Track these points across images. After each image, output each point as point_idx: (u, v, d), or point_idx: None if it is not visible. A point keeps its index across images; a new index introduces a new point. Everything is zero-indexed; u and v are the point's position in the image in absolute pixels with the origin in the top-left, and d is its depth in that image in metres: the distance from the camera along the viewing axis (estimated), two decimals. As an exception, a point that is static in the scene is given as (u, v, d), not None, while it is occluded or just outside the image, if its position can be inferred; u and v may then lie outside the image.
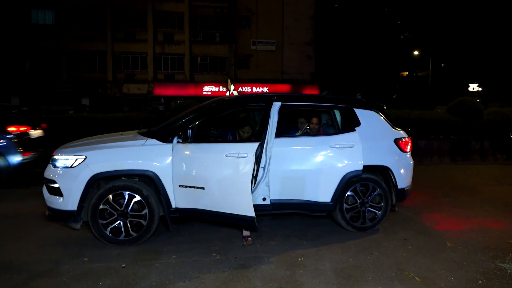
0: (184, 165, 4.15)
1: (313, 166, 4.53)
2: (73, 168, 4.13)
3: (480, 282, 3.46)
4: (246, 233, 4.47)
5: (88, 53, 28.77)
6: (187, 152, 4.18)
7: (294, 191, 4.52)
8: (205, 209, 4.10)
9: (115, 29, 28.92)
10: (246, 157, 3.91)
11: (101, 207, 4.17)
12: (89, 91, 28.42)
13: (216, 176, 4.01)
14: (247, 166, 3.91)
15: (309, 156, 4.56)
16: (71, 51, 28.42)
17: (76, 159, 4.14)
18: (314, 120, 5.11)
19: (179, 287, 3.33)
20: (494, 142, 11.56)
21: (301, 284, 3.40)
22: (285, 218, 5.35)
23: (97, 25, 28.68)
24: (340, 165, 4.55)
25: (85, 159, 4.12)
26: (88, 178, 4.09)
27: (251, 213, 3.86)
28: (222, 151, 4.03)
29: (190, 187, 4.11)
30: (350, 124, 4.79)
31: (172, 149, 4.20)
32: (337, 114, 4.87)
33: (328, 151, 4.57)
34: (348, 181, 4.57)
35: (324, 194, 4.53)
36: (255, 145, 3.99)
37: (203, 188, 4.04)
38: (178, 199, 4.21)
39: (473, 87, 40.04)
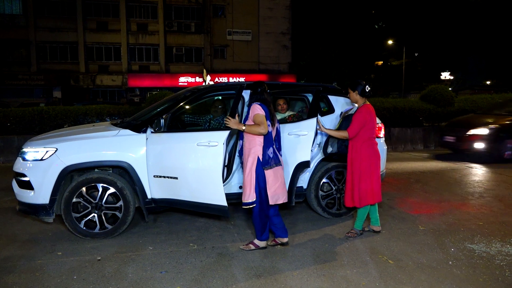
0: (158, 155, 4.09)
1: None
2: (43, 161, 4.02)
3: (450, 263, 3.58)
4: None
5: (59, 44, 27.94)
6: (160, 142, 4.11)
7: None
8: (180, 199, 4.06)
9: (87, 19, 28.15)
10: (216, 145, 3.79)
11: (74, 200, 4.08)
12: (61, 83, 27.67)
13: (188, 166, 3.94)
14: (218, 155, 3.78)
15: None
16: (41, 42, 27.53)
17: (47, 151, 4.03)
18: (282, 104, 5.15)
19: (156, 278, 3.31)
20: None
21: (278, 271, 3.44)
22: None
23: (67, 15, 27.84)
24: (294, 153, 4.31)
25: (56, 151, 4.02)
26: (59, 170, 3.99)
27: (223, 202, 3.81)
28: (193, 140, 3.93)
29: (164, 177, 4.06)
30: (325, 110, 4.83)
31: (146, 139, 4.14)
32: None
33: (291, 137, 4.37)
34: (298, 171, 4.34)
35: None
36: (226, 133, 3.82)
37: (176, 178, 3.99)
38: (154, 190, 4.17)
39: (445, 75, 41.07)
